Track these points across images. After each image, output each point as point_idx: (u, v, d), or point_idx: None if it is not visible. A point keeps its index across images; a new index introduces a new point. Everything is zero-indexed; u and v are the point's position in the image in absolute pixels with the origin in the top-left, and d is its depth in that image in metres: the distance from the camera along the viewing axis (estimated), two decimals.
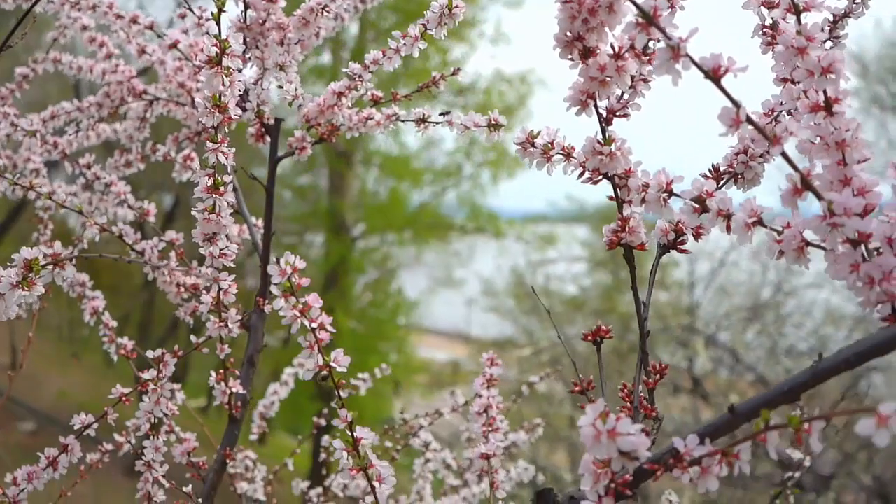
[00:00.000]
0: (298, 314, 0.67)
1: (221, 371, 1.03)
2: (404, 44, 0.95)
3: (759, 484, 6.04)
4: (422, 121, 1.01)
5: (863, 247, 0.57)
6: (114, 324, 1.17)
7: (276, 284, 0.66)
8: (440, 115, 0.98)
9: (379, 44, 10.99)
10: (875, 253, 0.57)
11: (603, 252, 10.75)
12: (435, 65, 11.18)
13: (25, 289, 0.73)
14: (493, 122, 0.92)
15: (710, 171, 0.75)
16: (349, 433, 0.70)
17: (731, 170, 0.75)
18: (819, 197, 0.56)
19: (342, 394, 0.71)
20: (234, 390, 1.04)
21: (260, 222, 1.21)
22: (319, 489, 1.48)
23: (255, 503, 1.35)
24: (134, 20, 1.17)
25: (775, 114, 0.75)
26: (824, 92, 0.58)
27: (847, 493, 6.25)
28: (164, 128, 1.52)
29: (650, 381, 0.67)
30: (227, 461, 1.06)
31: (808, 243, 0.59)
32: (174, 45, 1.05)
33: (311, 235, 12.10)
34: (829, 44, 0.78)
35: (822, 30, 0.78)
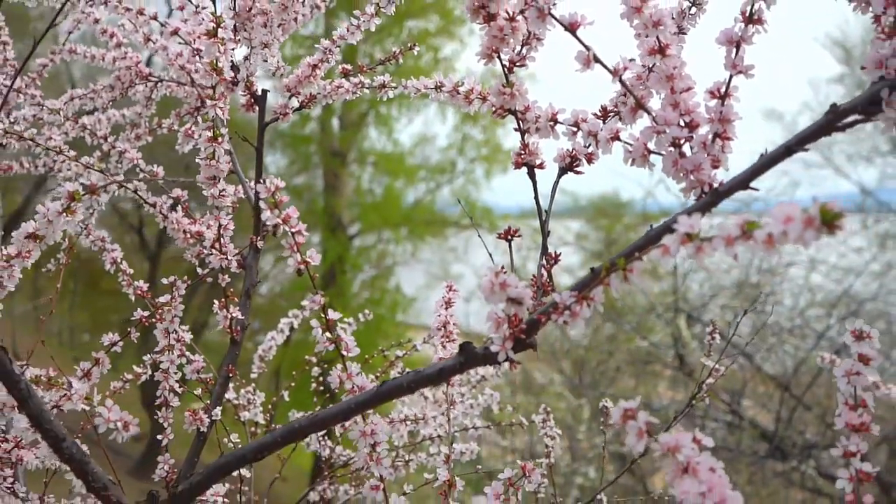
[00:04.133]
0: (281, 222, 0.89)
1: (223, 299, 1.24)
2: (363, 21, 1.17)
3: (744, 457, 6.26)
4: (382, 86, 1.23)
5: (688, 148, 0.79)
6: (130, 271, 1.38)
7: (262, 199, 0.87)
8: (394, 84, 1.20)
9: (371, 43, 11.09)
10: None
11: (597, 244, 10.97)
12: (426, 63, 11.42)
13: (69, 215, 0.93)
14: (438, 84, 1.13)
15: (599, 111, 0.96)
16: (323, 315, 0.92)
17: (615, 109, 0.96)
18: (648, 113, 0.77)
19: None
20: (234, 316, 1.25)
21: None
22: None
23: (256, 426, 1.57)
24: (140, 12, 1.38)
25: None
26: (657, 39, 0.80)
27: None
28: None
29: (548, 265, 0.88)
30: (230, 376, 1.27)
31: (650, 151, 0.81)
32: (175, 32, 1.26)
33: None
34: (693, 9, 1.00)
35: None
